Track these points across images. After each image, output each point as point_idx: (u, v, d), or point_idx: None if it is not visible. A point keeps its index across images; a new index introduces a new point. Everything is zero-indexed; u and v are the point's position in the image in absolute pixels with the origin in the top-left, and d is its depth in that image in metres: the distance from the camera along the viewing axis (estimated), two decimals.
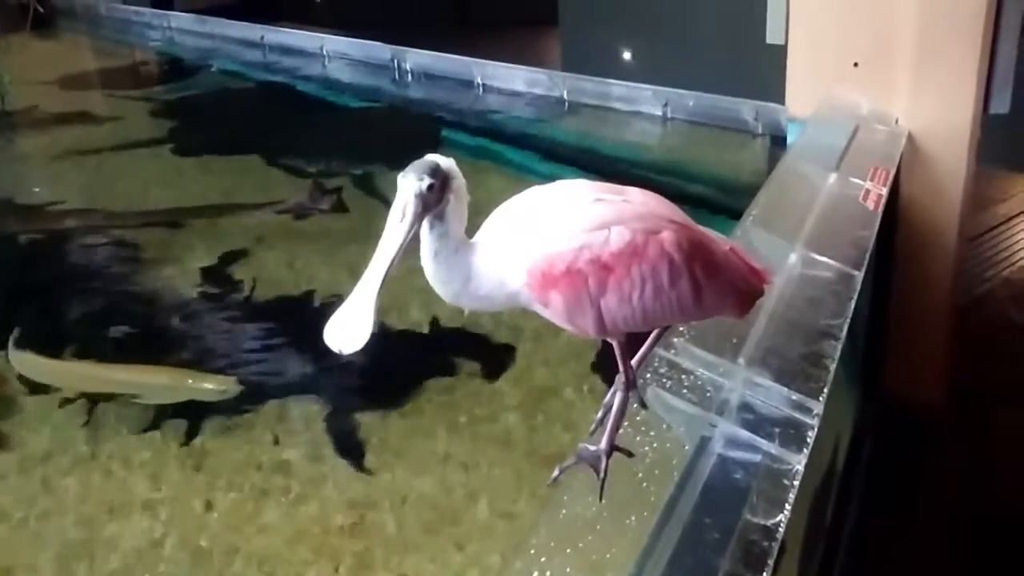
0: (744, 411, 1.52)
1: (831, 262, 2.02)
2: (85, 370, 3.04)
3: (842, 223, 2.29)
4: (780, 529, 1.33)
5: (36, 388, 2.97)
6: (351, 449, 2.67)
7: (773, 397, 1.56)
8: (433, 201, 1.19)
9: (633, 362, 1.45)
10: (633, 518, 1.33)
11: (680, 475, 1.40)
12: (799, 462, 1.43)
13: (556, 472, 1.36)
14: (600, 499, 1.33)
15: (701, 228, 1.33)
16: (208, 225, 3.97)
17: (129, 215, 4.06)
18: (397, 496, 2.52)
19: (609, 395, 1.45)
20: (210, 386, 2.88)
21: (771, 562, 1.27)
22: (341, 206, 4.08)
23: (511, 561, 1.21)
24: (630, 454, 1.38)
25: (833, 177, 2.49)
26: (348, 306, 1.16)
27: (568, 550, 1.27)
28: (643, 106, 4.29)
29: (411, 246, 1.16)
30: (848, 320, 1.82)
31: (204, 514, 2.45)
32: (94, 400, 2.88)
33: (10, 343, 3.05)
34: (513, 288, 1.24)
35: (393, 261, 1.16)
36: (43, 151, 5.05)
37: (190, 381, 2.91)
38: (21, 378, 3.00)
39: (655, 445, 1.46)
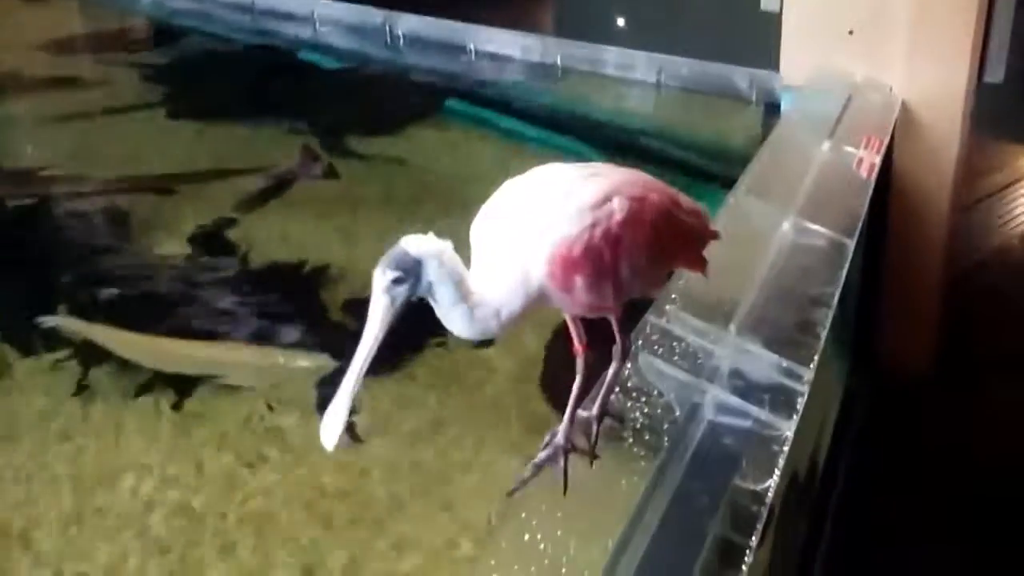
0: (735, 378, 1.53)
1: (823, 230, 2.03)
2: (164, 346, 2.96)
3: (835, 191, 2.30)
4: (769, 494, 1.34)
5: (27, 351, 2.96)
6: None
7: (763, 364, 1.57)
8: (407, 290, 1.18)
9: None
10: (623, 483, 1.34)
11: (670, 441, 1.41)
12: (789, 428, 1.45)
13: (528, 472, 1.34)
14: (591, 463, 1.35)
15: (670, 190, 1.38)
16: (199, 190, 3.94)
17: (119, 180, 4.03)
18: (388, 461, 2.53)
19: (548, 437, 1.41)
20: (304, 363, 2.84)
21: (760, 526, 1.28)
22: (333, 172, 4.06)
23: (501, 525, 1.21)
24: (621, 419, 1.41)
25: (827, 145, 2.49)
26: (330, 410, 1.21)
27: (559, 514, 1.28)
28: (637, 72, 4.26)
29: None
30: (840, 288, 1.83)
31: (196, 477, 2.46)
32: (86, 364, 2.87)
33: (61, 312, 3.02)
34: (535, 286, 1.23)
35: (366, 361, 1.20)
36: (31, 116, 5.00)
37: (282, 360, 2.87)
38: (8, 339, 2.98)
39: (646, 411, 1.47)
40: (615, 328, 1.37)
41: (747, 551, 1.24)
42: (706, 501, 1.33)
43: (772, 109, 3.65)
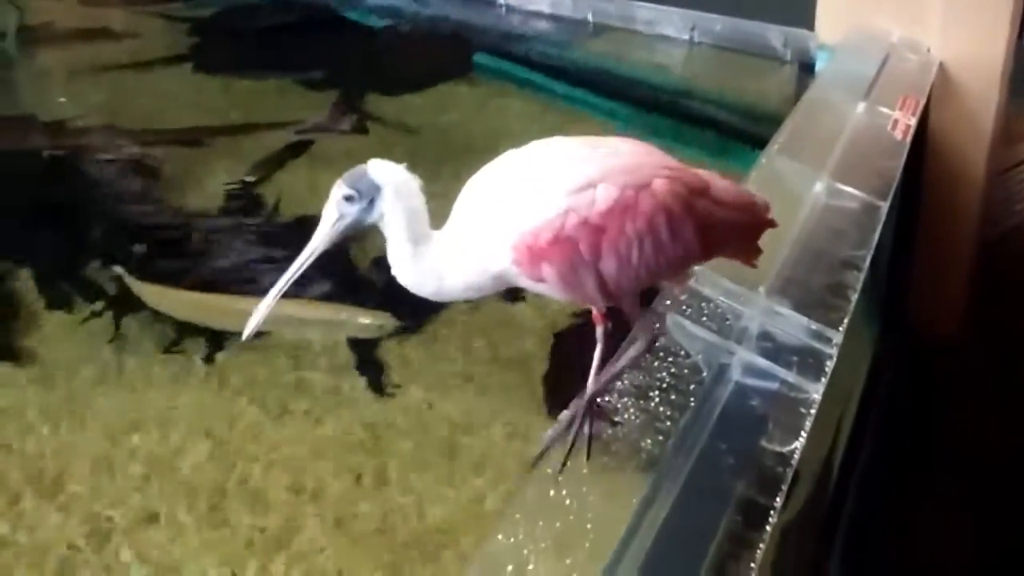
0: (763, 340, 1.53)
1: (856, 192, 2.00)
2: (221, 303, 2.93)
3: (869, 153, 2.27)
4: (795, 456, 1.34)
5: (58, 304, 2.99)
6: (371, 370, 2.70)
7: (792, 326, 1.56)
8: (357, 211, 1.17)
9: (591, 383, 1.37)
10: (648, 442, 1.35)
11: (697, 401, 1.41)
12: (816, 391, 1.44)
13: (543, 445, 1.32)
14: (588, 456, 1.29)
15: (696, 170, 1.28)
16: (228, 144, 3.95)
17: (150, 133, 4.04)
18: (415, 417, 2.55)
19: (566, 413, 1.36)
20: (367, 321, 2.83)
21: (785, 487, 1.29)
22: (362, 127, 4.05)
23: (525, 483, 1.22)
24: (613, 422, 1.34)
25: (861, 106, 2.46)
26: (261, 304, 1.20)
27: (584, 471, 1.29)
28: (669, 29, 4.20)
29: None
30: (871, 251, 1.82)
31: (227, 428, 2.50)
32: (119, 315, 2.90)
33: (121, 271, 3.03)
34: (498, 269, 1.18)
35: (300, 267, 1.20)
36: (63, 67, 5.02)
37: (344, 316, 2.86)
38: (43, 291, 3.02)
39: (672, 371, 1.47)
40: (630, 316, 1.31)
41: (771, 512, 1.25)
42: (731, 461, 1.33)
43: (806, 68, 3.60)
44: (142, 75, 4.67)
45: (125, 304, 2.96)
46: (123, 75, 4.66)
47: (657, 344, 1.42)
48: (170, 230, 3.41)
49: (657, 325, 1.35)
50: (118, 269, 3.06)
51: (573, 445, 1.30)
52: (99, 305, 2.97)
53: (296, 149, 3.84)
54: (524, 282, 1.20)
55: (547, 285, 1.18)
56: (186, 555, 2.15)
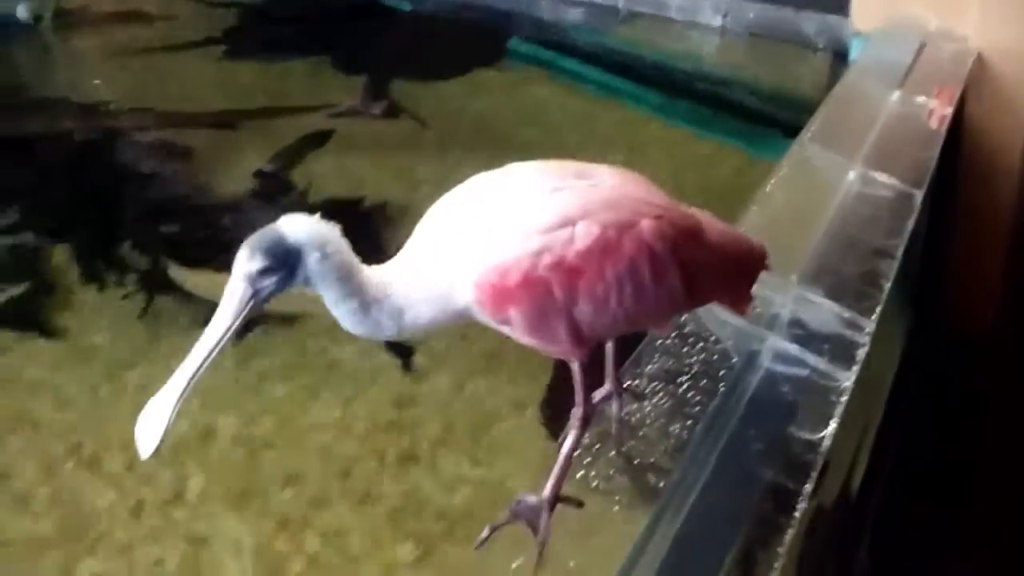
0: (794, 327, 1.53)
1: (891, 181, 1.99)
2: None
3: (904, 142, 2.25)
4: (825, 443, 1.34)
5: (92, 282, 3.03)
6: (400, 350, 2.71)
7: (824, 314, 1.56)
8: (276, 283, 1.01)
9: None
10: (676, 427, 1.35)
11: (726, 387, 1.41)
12: (848, 379, 1.44)
13: (485, 532, 1.19)
14: (535, 570, 1.14)
15: (688, 209, 1.18)
16: (260, 127, 3.98)
17: (182, 115, 4.08)
18: (442, 398, 2.57)
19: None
20: None
21: (814, 474, 1.28)
22: (393, 112, 4.07)
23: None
24: (579, 504, 1.21)
25: (896, 95, 2.44)
26: (151, 406, 1.00)
27: (612, 453, 1.30)
28: (701, 16, 4.18)
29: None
30: (905, 240, 1.80)
31: (257, 408, 2.52)
32: (151, 295, 2.94)
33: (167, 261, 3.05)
34: (459, 306, 1.07)
35: (209, 358, 1.00)
36: (97, 50, 5.06)
37: None
38: (78, 268, 3.06)
39: (702, 357, 1.47)
40: (577, 384, 1.17)
41: (800, 498, 1.25)
42: (760, 447, 1.33)
43: (840, 57, 3.58)
44: (175, 58, 4.71)
45: (157, 283, 3.00)
46: (157, 58, 4.70)
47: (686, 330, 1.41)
48: (201, 212, 3.44)
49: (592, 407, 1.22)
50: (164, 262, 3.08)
51: (544, 545, 1.16)
52: (131, 284, 3.01)
53: (319, 138, 3.85)
54: (486, 321, 1.08)
55: (513, 329, 1.07)
56: (218, 529, 2.17)
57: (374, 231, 3.17)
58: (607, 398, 1.35)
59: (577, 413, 1.17)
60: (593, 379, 1.23)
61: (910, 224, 1.85)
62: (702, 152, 3.77)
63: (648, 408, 1.36)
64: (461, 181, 1.14)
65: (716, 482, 1.25)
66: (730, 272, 1.21)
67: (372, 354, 2.70)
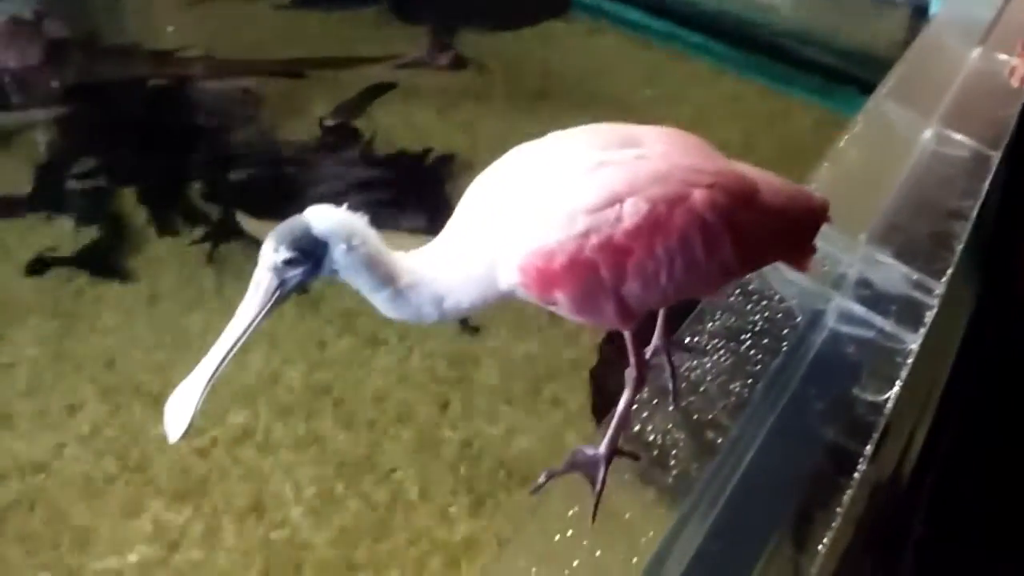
0: (861, 287, 1.50)
1: (967, 140, 1.94)
2: None
3: (983, 100, 2.18)
4: (888, 405, 1.32)
5: (162, 227, 3.09)
6: None
7: (892, 275, 1.53)
8: (302, 274, 1.00)
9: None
10: (737, 384, 1.34)
11: (789, 346, 1.40)
12: (914, 341, 1.42)
13: (542, 478, 1.22)
14: (593, 519, 1.16)
15: (744, 171, 1.12)
16: (328, 77, 3.99)
17: (252, 63, 4.11)
18: (501, 352, 2.58)
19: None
20: None
21: (876, 436, 1.27)
22: (460, 63, 4.05)
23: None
24: (636, 457, 1.23)
25: (977, 51, 2.36)
26: (180, 390, 1.01)
27: (670, 408, 1.30)
28: None
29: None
30: (980, 202, 1.76)
31: (318, 354, 2.57)
32: (219, 241, 2.99)
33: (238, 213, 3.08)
34: (504, 289, 1.05)
35: (234, 348, 1.00)
36: None
37: None
38: (149, 214, 3.12)
39: (766, 315, 1.46)
40: (629, 347, 1.16)
41: (861, 459, 1.24)
42: (822, 407, 1.32)
43: (920, 11, 3.46)
44: (245, 6, 4.73)
45: (224, 230, 3.05)
46: (227, 6, 4.73)
47: (750, 287, 1.40)
48: (268, 160, 3.47)
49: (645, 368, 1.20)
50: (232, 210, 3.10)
51: (600, 495, 1.18)
52: (200, 230, 3.06)
53: (384, 89, 3.85)
54: (534, 301, 1.07)
55: (560, 309, 1.06)
56: (280, 469, 2.23)
57: (439, 184, 3.18)
58: (655, 353, 1.34)
59: (631, 373, 1.17)
60: (645, 339, 1.24)
61: (985, 185, 1.80)
62: (774, 108, 3.70)
63: (709, 365, 1.36)
64: (526, 134, 1.11)
65: (775, 440, 1.25)
66: (788, 233, 1.16)
67: None
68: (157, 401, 2.39)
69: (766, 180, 1.13)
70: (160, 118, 3.84)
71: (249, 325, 1.00)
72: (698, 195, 1.03)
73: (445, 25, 4.34)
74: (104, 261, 2.92)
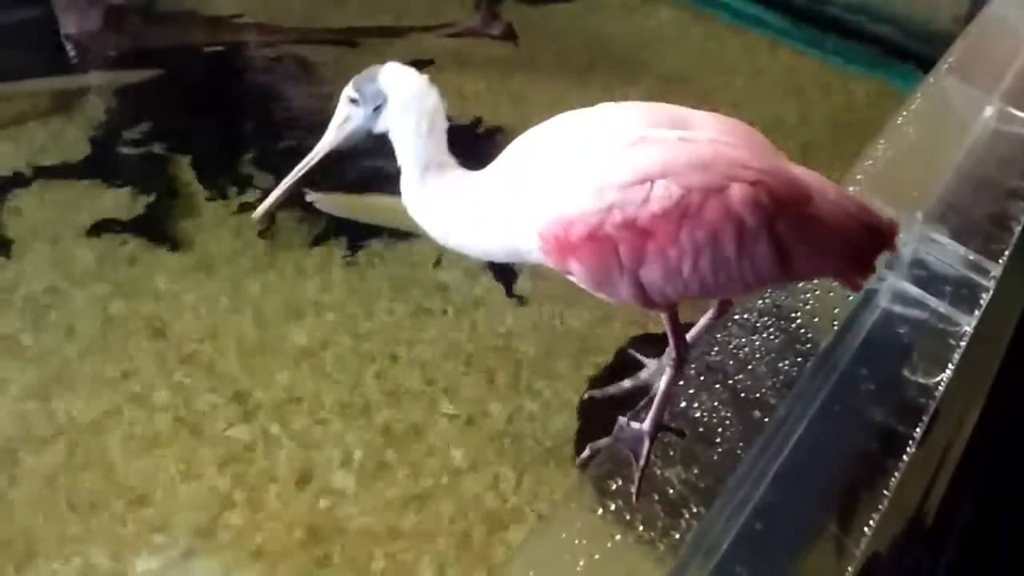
0: (916, 267, 1.48)
1: None
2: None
3: None
4: (940, 388, 1.31)
5: (214, 194, 3.12)
6: (506, 275, 2.73)
7: (948, 255, 1.50)
8: (362, 117, 1.11)
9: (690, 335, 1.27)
10: (786, 363, 1.33)
11: (841, 326, 1.38)
12: (969, 324, 1.39)
13: (587, 452, 1.23)
14: (637, 496, 1.16)
15: (796, 172, 1.06)
16: (381, 45, 3.99)
17: (306, 31, 4.12)
18: (547, 325, 2.59)
19: (645, 372, 1.32)
20: None
21: (926, 419, 1.26)
22: (511, 33, 4.02)
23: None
24: (681, 433, 1.22)
25: None
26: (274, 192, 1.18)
27: (717, 385, 1.29)
28: None
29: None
30: None
31: (367, 323, 2.59)
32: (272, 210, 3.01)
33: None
34: (524, 249, 1.06)
35: (306, 165, 1.18)
36: None
37: None
38: (203, 181, 3.15)
39: (817, 293, 1.44)
40: (667, 327, 1.14)
41: (910, 441, 1.23)
42: (872, 388, 1.31)
43: None
44: None
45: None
46: None
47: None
48: (320, 128, 3.48)
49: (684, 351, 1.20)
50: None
51: (644, 471, 1.18)
52: (252, 196, 3.08)
53: (435, 58, 3.82)
54: (552, 267, 1.08)
55: (576, 279, 1.06)
56: (328, 437, 2.26)
57: (488, 156, 3.17)
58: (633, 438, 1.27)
59: (671, 353, 1.17)
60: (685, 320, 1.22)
61: None
62: (831, 81, 3.63)
63: (758, 343, 1.35)
64: (575, 106, 1.10)
65: (822, 421, 1.24)
66: (841, 249, 1.08)
67: (480, 278, 2.73)
68: (208, 367, 2.45)
69: (825, 190, 1.06)
70: (214, 85, 3.87)
71: (322, 147, 1.18)
72: (737, 190, 0.99)
73: None
74: (158, 227, 2.96)
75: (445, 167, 1.09)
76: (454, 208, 1.08)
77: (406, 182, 1.10)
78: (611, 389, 1.30)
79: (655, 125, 1.02)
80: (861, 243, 1.08)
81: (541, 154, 1.05)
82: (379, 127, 1.10)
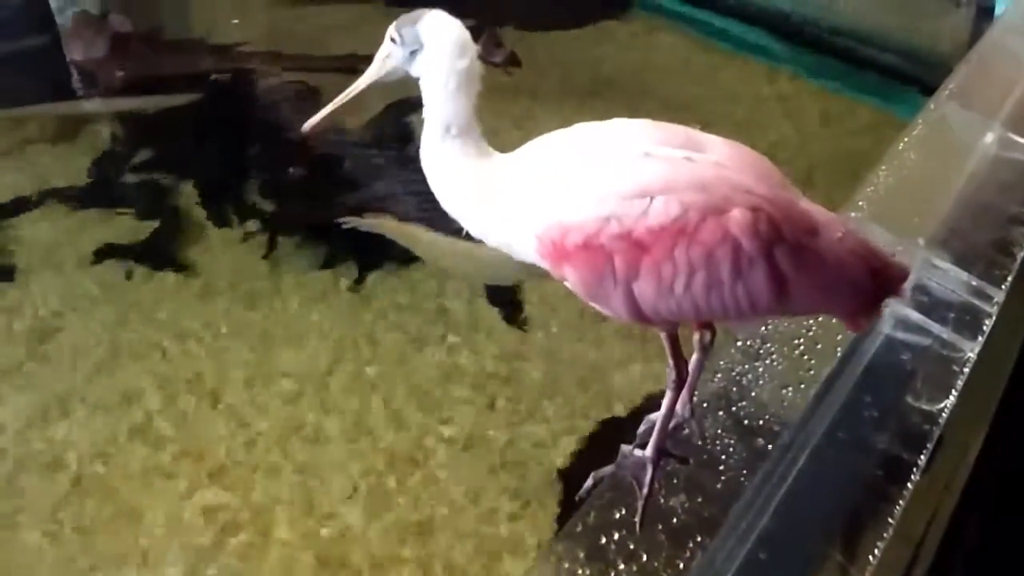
0: (918, 293, 1.48)
1: None
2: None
3: None
4: (943, 415, 1.30)
5: (219, 220, 3.13)
6: (509, 302, 2.73)
7: (951, 281, 1.50)
8: (400, 58, 1.11)
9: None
10: (789, 390, 1.33)
11: (843, 352, 1.38)
12: (972, 349, 1.39)
13: (590, 482, 1.22)
14: (640, 525, 1.14)
15: (803, 204, 1.05)
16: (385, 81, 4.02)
17: (309, 58, 4.14)
18: (549, 349, 2.58)
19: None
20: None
21: (930, 446, 1.25)
22: (514, 61, 4.05)
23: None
24: (684, 460, 1.21)
25: None
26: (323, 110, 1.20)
27: (720, 412, 1.28)
28: None
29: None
30: None
31: (369, 349, 2.59)
32: (275, 236, 3.02)
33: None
34: (519, 246, 1.07)
35: (353, 90, 1.19)
36: None
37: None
38: (206, 208, 3.16)
39: (819, 320, 1.43)
40: (666, 348, 1.14)
41: (914, 469, 1.22)
42: (875, 415, 1.30)
43: (985, 12, 3.38)
44: (308, 3, 4.77)
45: (281, 223, 3.08)
46: (290, 2, 4.77)
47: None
48: (323, 154, 3.50)
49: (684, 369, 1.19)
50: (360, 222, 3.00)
51: (648, 499, 1.16)
52: (256, 223, 3.09)
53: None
54: (549, 271, 1.08)
55: (571, 286, 1.06)
56: (330, 464, 2.26)
57: None
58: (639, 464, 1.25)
59: (671, 375, 1.16)
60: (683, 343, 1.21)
61: None
62: (832, 108, 3.65)
63: (761, 369, 1.34)
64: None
65: (826, 448, 1.23)
66: (845, 289, 1.06)
67: (482, 305, 2.73)
68: (211, 393, 2.44)
69: (834, 228, 1.05)
70: (220, 112, 3.89)
71: (366, 78, 1.18)
72: (737, 214, 0.98)
73: (497, 22, 4.34)
74: (162, 254, 2.97)
75: (467, 134, 1.09)
76: (463, 180, 1.09)
77: (426, 135, 1.11)
78: (607, 470, 1.23)
79: (665, 144, 1.03)
80: (866, 285, 1.07)
81: (551, 157, 1.07)
82: (413, 71, 1.12)
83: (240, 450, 2.30)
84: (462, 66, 1.08)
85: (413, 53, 1.09)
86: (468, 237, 1.15)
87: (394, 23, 1.11)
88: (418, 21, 1.09)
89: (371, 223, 2.96)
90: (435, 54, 1.08)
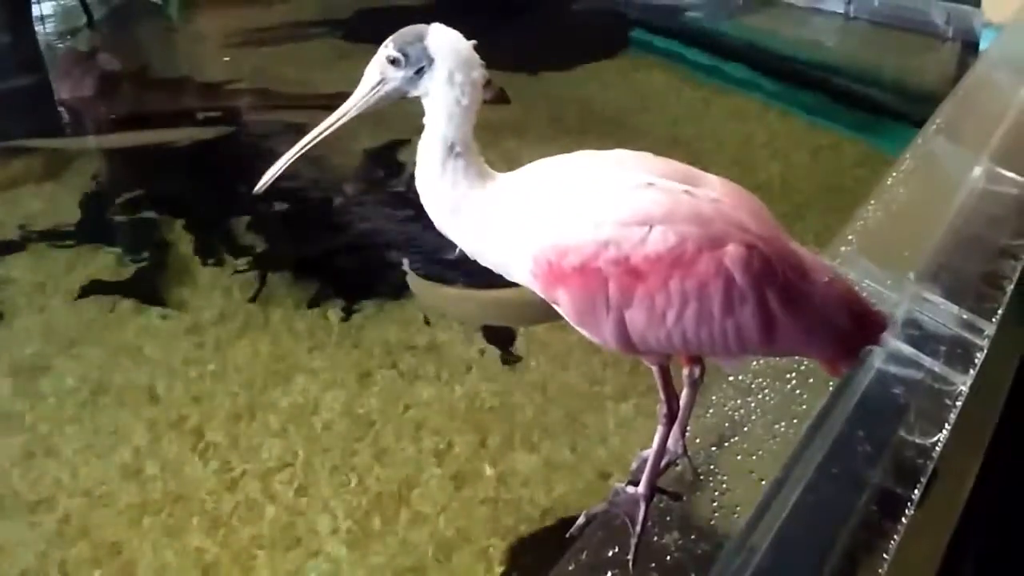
0: (909, 327, 1.47)
1: (1019, 178, 1.90)
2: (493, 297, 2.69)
3: None
4: (936, 449, 1.29)
5: (208, 257, 3.12)
6: (501, 336, 2.72)
7: (942, 315, 1.49)
8: (401, 79, 1.04)
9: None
10: (782, 425, 1.32)
11: (835, 386, 1.37)
12: (964, 383, 1.38)
13: (582, 519, 1.21)
14: (633, 563, 1.12)
15: (793, 246, 1.07)
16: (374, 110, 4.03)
17: (297, 96, 4.17)
18: (541, 385, 2.57)
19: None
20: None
21: (923, 480, 1.24)
22: (503, 98, 4.07)
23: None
24: (677, 497, 1.20)
25: None
26: (278, 162, 1.11)
27: (713, 448, 1.27)
28: (825, 3, 4.07)
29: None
30: None
31: (360, 386, 2.57)
32: (264, 273, 3.01)
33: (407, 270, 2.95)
34: (514, 267, 1.06)
35: (327, 131, 1.10)
36: (219, 32, 5.21)
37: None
38: (195, 246, 3.15)
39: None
40: (657, 381, 1.14)
41: (909, 503, 1.20)
42: (868, 449, 1.29)
43: (970, 47, 3.43)
44: (293, 41, 4.81)
45: (269, 261, 3.07)
46: (275, 40, 4.81)
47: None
48: (313, 192, 3.50)
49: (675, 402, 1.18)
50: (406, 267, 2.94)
51: (641, 536, 1.15)
52: (245, 261, 3.08)
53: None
54: (541, 294, 1.06)
55: (562, 310, 1.05)
56: (315, 503, 2.23)
57: None
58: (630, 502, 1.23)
59: (662, 410, 1.16)
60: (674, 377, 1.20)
61: None
62: (821, 143, 3.68)
63: (753, 404, 1.33)
64: None
65: (820, 483, 1.22)
66: (828, 333, 1.09)
67: (472, 342, 2.72)
68: (196, 432, 2.42)
69: (820, 272, 1.07)
70: (207, 150, 3.90)
71: (346, 112, 1.08)
72: (732, 249, 1.00)
73: (492, 59, 4.36)
74: (149, 291, 2.96)
75: (467, 153, 1.06)
76: (460, 198, 1.06)
77: (427, 154, 1.06)
78: (599, 507, 1.22)
79: (665, 176, 1.04)
80: (849, 330, 1.09)
81: (552, 180, 1.06)
82: (416, 91, 1.05)
83: (224, 489, 2.26)
84: (475, 78, 1.05)
85: (419, 71, 1.03)
86: (463, 256, 1.12)
87: (389, 45, 1.04)
88: (424, 37, 1.04)
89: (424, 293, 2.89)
90: (448, 68, 1.03)
